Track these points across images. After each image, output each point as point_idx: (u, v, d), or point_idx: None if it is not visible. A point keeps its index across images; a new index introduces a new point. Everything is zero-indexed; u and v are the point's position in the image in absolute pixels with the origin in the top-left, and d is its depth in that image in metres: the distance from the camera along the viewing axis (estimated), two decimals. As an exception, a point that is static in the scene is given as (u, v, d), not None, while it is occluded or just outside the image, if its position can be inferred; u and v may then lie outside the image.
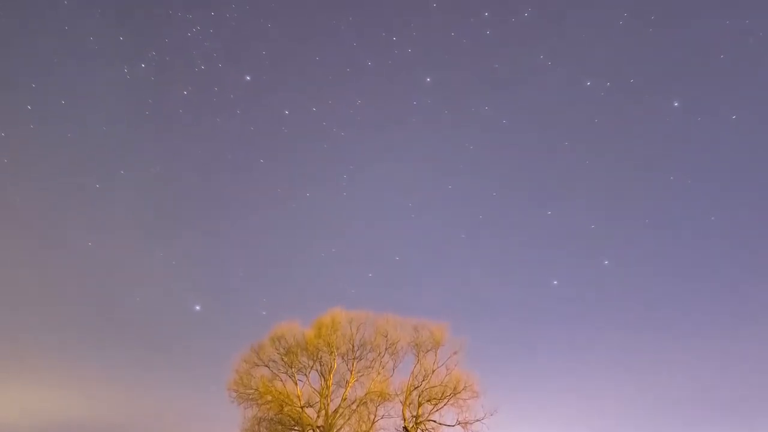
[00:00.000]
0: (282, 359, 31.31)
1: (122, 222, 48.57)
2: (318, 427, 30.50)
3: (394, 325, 32.68)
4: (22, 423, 39.34)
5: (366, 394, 31.36)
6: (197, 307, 44.83)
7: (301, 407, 30.85)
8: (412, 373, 32.07)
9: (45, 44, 44.02)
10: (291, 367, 31.28)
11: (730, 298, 48.42)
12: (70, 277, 47.35)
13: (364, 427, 30.92)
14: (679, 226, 50.35)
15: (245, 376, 30.85)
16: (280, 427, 30.71)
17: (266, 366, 31.23)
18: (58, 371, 43.66)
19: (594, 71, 47.82)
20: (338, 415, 30.72)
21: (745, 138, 47.08)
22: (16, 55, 44.19)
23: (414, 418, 31.18)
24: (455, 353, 32.17)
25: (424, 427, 31.11)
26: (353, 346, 32.02)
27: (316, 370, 31.63)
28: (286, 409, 30.57)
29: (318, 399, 31.15)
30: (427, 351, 32.34)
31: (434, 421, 31.31)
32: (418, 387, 31.73)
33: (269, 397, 30.55)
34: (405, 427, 30.87)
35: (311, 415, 30.84)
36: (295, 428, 30.71)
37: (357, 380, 31.78)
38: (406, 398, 31.50)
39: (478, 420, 30.77)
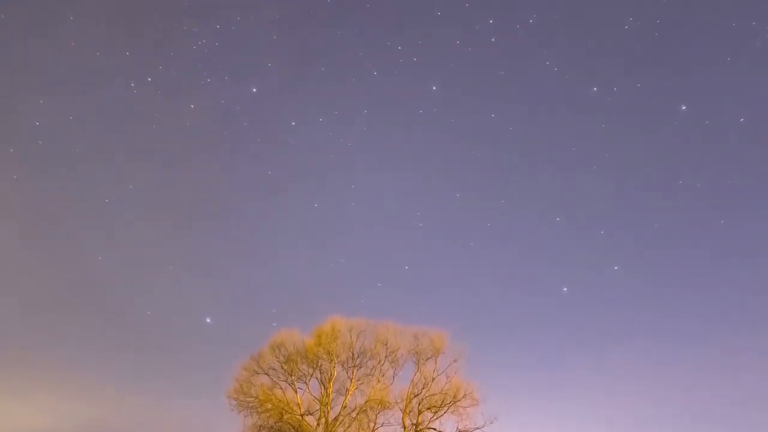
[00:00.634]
0: (282, 367, 31.48)
1: (131, 236, 48.89)
2: (318, 435, 30.70)
3: (393, 333, 32.75)
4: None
5: (366, 402, 31.42)
6: (208, 320, 44.76)
7: (301, 415, 31.01)
8: (412, 380, 32.16)
9: (52, 60, 44.70)
10: (291, 375, 31.46)
11: (740, 301, 47.91)
12: (81, 292, 47.84)
13: (363, 435, 31.03)
14: (689, 230, 49.95)
15: (245, 384, 31.08)
16: (280, 434, 30.95)
17: (266, 374, 31.40)
18: (70, 383, 44.16)
19: (600, 76, 47.69)
20: (338, 423, 30.81)
21: (753, 140, 46.64)
22: (24, 71, 45.00)
23: (414, 426, 31.19)
24: (455, 361, 32.18)
25: (423, 435, 31.15)
26: (353, 354, 32.14)
27: (316, 378, 31.81)
28: (286, 417, 30.75)
29: (318, 407, 31.27)
30: (427, 359, 32.39)
31: (434, 429, 31.34)
32: (418, 395, 31.76)
33: (269, 405, 30.76)
34: (405, 436, 30.93)
35: (311, 423, 30.96)
36: (295, 436, 30.91)
37: (357, 388, 31.90)
38: (406, 406, 31.53)
39: (477, 428, 30.83)
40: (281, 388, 31.44)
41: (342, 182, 50.09)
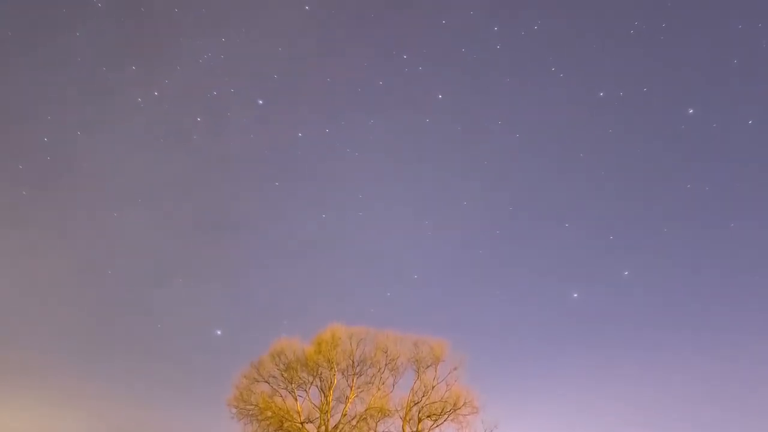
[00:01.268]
0: (282, 375, 31.58)
1: (140, 249, 48.97)
2: (318, 443, 30.80)
3: (394, 341, 32.78)
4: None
5: (366, 410, 31.47)
6: (218, 332, 44.44)
7: (301, 423, 31.11)
8: (412, 388, 32.20)
9: (58, 76, 45.10)
10: (291, 383, 31.56)
11: (752, 305, 47.11)
12: (91, 306, 47.86)
13: (363, 443, 31.08)
14: (699, 234, 49.34)
15: (245, 392, 31.18)
16: (280, 442, 31.11)
17: (266, 382, 31.51)
18: (79, 395, 44.18)
19: (606, 81, 47.33)
20: (338, 430, 30.85)
21: (762, 143, 45.90)
22: (31, 88, 45.34)
23: (414, 434, 31.20)
24: (455, 369, 32.24)
25: (423, 443, 31.12)
26: (353, 362, 32.21)
27: (316, 386, 31.87)
28: (286, 425, 30.88)
29: (318, 415, 31.34)
30: (427, 367, 32.43)
31: (434, 437, 31.32)
32: (418, 403, 31.78)
33: (269, 413, 30.91)
34: (404, 444, 30.92)
35: (311, 431, 31.14)
36: (295, 444, 31.05)
37: (357, 396, 31.94)
38: (406, 414, 31.54)
39: (477, 436, 30.71)
40: (281, 396, 31.57)
41: (349, 192, 50.03)
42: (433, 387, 31.92)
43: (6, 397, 41.37)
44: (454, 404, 31.49)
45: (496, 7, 46.64)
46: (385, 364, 32.32)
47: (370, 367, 32.35)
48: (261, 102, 46.84)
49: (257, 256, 51.83)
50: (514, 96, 49.14)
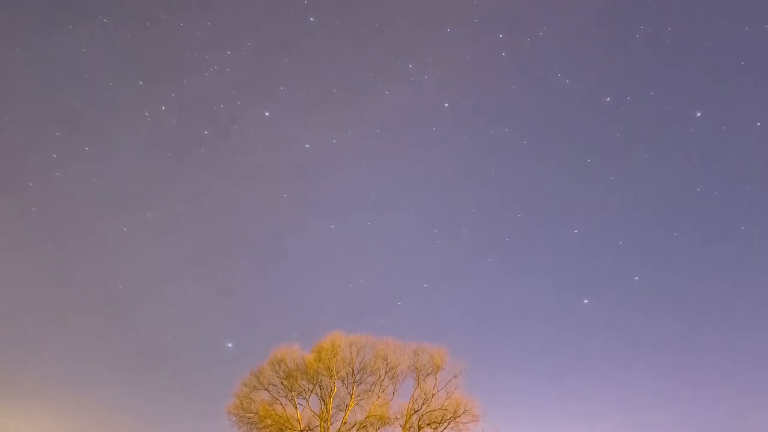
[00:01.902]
0: (282, 383, 31.69)
1: (151, 263, 49.38)
2: (318, 451, 30.89)
3: (393, 349, 32.87)
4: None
5: (366, 418, 31.51)
6: (229, 345, 44.87)
7: (301, 431, 31.28)
8: (412, 396, 32.23)
9: (66, 92, 45.76)
10: (291, 391, 31.68)
11: (765, 308, 46.27)
12: (103, 320, 48.23)
13: (363, 451, 31.09)
14: (709, 237, 48.92)
15: (245, 400, 31.30)
16: (280, 450, 31.23)
17: (266, 390, 31.61)
18: (91, 408, 44.37)
19: (613, 86, 47.39)
20: (338, 438, 31.01)
21: (771, 144, 45.13)
22: (39, 105, 45.85)
23: (414, 442, 31.14)
24: (455, 377, 32.25)
25: (423, 451, 31.04)
26: (353, 370, 32.29)
27: (316, 394, 31.93)
28: (286, 433, 31.11)
29: (318, 423, 31.42)
30: (427, 375, 32.48)
31: (434, 445, 31.22)
32: (418, 411, 31.76)
33: (269, 421, 31.05)
34: (404, 452, 30.87)
35: (311, 439, 31.27)
36: (295, 452, 31.17)
37: (357, 404, 31.99)
38: (406, 422, 31.50)
39: (477, 444, 30.59)
40: (281, 404, 31.64)
41: (357, 202, 50.43)
42: (433, 395, 31.96)
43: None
44: (454, 412, 31.42)
45: (500, 14, 46.88)
46: (385, 372, 32.40)
47: (370, 375, 32.47)
48: (267, 114, 47.41)
49: (267, 268, 52.20)
50: (521, 103, 49.34)
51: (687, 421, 44.30)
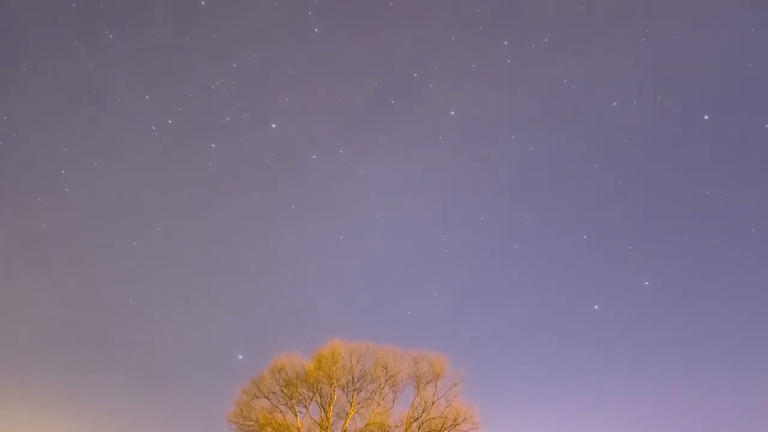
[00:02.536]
0: (282, 391, 31.80)
1: (161, 277, 49.72)
2: (318, 459, 30.91)
3: (393, 357, 32.89)
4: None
5: (366, 426, 31.49)
6: (240, 357, 44.40)
7: (301, 439, 31.43)
8: (412, 404, 32.20)
9: (73, 108, 46.27)
10: (291, 399, 31.76)
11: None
12: (113, 335, 48.48)
13: (363, 460, 31.04)
14: (719, 241, 48.36)
15: (245, 408, 31.41)
16: (280, 458, 31.30)
17: (266, 398, 31.72)
18: (102, 422, 44.05)
19: (619, 91, 47.17)
20: (338, 446, 31.03)
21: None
22: (47, 121, 46.41)
23: (414, 451, 31.03)
24: (455, 385, 32.20)
25: (423, 460, 30.91)
26: (353, 378, 32.33)
27: (316, 402, 31.98)
28: (286, 441, 31.20)
29: (318, 430, 31.53)
30: (427, 383, 32.46)
31: (434, 453, 31.09)
32: (418, 419, 31.69)
33: (269, 429, 31.09)
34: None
35: (311, 447, 31.31)
36: (295, 460, 31.22)
37: (357, 412, 31.98)
38: (406, 430, 31.44)
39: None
40: (281, 412, 31.71)
41: (365, 212, 50.62)
42: (433, 403, 31.91)
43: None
44: (454, 420, 31.34)
45: (504, 21, 46.99)
46: (385, 380, 32.42)
47: (370, 383, 32.49)
48: (274, 126, 47.61)
49: (276, 279, 52.38)
50: (527, 109, 49.19)
51: (698, 428, 43.58)
